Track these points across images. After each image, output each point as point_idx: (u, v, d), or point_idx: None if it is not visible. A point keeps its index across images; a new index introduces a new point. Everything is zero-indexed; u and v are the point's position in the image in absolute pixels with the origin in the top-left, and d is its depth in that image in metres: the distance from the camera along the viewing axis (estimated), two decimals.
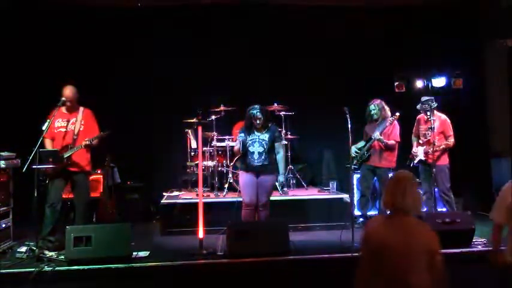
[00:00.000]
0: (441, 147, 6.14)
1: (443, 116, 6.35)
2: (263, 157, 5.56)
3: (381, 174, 6.44)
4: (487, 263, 3.56)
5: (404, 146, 6.62)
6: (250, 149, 5.57)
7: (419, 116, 6.47)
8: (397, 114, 6.20)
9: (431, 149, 6.08)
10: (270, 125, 5.67)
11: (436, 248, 2.90)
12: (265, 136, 5.59)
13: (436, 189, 6.31)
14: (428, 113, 6.15)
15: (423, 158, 6.27)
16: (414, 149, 6.40)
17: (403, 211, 2.95)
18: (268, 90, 7.85)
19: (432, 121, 6.11)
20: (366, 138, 6.42)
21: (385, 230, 2.95)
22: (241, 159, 5.75)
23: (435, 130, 6.15)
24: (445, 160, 6.27)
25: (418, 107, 6.36)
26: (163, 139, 8.11)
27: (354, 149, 6.39)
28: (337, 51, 8.07)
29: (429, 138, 6.20)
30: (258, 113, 5.54)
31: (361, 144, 6.42)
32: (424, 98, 6.34)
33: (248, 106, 5.70)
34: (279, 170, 5.64)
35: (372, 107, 6.39)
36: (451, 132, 6.25)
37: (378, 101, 6.40)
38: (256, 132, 5.61)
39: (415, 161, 6.36)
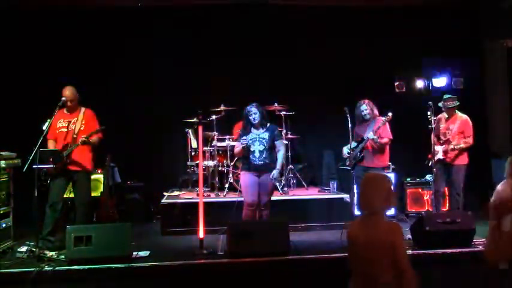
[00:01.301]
0: (461, 145, 6.11)
1: (465, 116, 6.32)
2: (264, 155, 5.57)
3: None
4: (484, 263, 3.56)
5: (406, 147, 6.59)
6: (251, 148, 5.58)
7: (439, 116, 6.43)
8: (390, 114, 6.18)
9: (450, 147, 6.09)
10: (268, 124, 5.70)
11: (397, 243, 2.91)
12: (265, 135, 5.60)
13: (452, 188, 6.29)
14: (429, 113, 6.12)
15: (442, 157, 6.24)
16: (436, 147, 6.26)
17: (373, 211, 3.02)
18: (268, 90, 7.85)
19: (433, 121, 6.08)
20: (357, 139, 6.39)
21: (357, 230, 3.06)
22: (243, 159, 5.75)
23: (455, 129, 6.17)
24: (464, 160, 6.23)
25: (440, 104, 6.35)
26: (163, 139, 8.10)
27: (345, 149, 6.37)
28: (337, 51, 8.06)
29: (449, 137, 6.19)
30: (254, 109, 5.59)
31: (353, 145, 6.40)
32: (445, 96, 6.33)
33: (248, 106, 5.70)
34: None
35: (364, 107, 6.33)
36: (471, 133, 6.23)
37: (367, 101, 6.36)
38: (255, 131, 5.62)
39: (434, 160, 6.25)
